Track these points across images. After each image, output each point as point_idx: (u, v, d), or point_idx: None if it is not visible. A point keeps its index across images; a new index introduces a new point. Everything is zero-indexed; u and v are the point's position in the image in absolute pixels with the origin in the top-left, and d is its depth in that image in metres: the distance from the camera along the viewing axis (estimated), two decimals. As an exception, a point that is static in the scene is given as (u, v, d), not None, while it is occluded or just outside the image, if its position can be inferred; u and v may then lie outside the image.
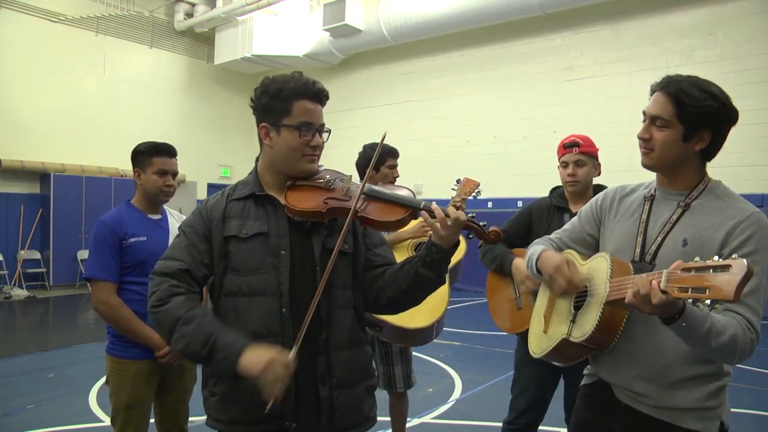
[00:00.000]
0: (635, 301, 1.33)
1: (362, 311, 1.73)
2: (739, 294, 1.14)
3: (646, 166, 1.65)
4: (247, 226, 1.63)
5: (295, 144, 1.63)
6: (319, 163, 1.74)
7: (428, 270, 1.59)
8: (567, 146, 2.65)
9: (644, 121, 1.62)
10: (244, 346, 1.47)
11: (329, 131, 1.71)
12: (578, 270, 1.65)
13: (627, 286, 1.41)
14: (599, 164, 2.71)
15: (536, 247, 1.83)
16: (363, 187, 1.62)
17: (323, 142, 1.69)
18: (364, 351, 1.72)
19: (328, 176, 1.71)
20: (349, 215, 1.56)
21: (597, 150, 2.69)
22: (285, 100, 1.62)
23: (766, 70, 8.52)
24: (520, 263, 2.47)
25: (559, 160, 2.70)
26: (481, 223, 1.56)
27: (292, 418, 1.58)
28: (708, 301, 1.17)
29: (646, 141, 1.60)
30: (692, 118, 1.54)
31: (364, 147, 3.15)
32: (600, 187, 2.69)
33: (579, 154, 2.61)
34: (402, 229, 1.73)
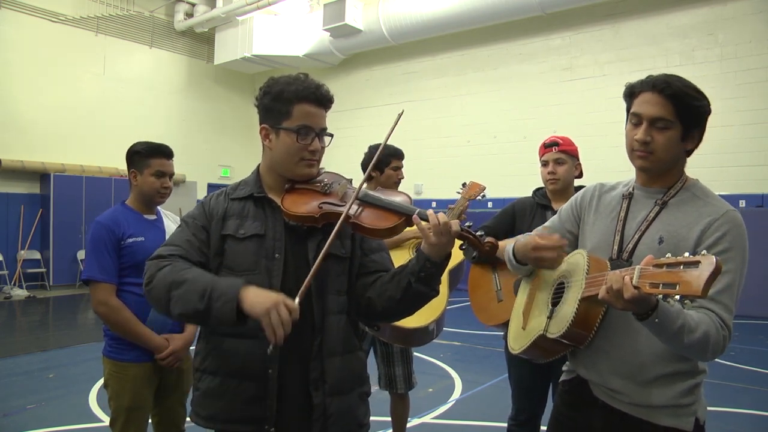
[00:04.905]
0: (608, 297, 1.35)
1: (356, 317, 1.71)
2: (707, 289, 1.16)
3: (644, 169, 1.64)
4: (245, 227, 1.62)
5: (293, 148, 1.61)
6: (320, 166, 1.72)
7: (423, 285, 1.54)
8: (547, 145, 2.73)
9: (637, 123, 1.58)
10: (241, 286, 1.43)
11: (331, 136, 1.69)
12: (554, 237, 1.67)
13: (601, 282, 1.42)
14: (579, 164, 2.76)
15: (510, 244, 1.85)
16: (358, 192, 1.58)
17: (323, 147, 1.67)
18: (357, 357, 1.69)
19: (326, 179, 1.68)
20: (340, 219, 1.52)
21: (576, 149, 2.75)
22: (286, 103, 1.60)
23: (766, 70, 8.51)
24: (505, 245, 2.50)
25: (540, 159, 2.76)
26: (477, 233, 1.53)
27: (271, 422, 1.55)
28: (678, 297, 1.19)
29: (646, 144, 1.57)
30: (692, 117, 1.56)
31: (370, 147, 3.11)
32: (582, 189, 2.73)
33: (559, 153, 2.68)
34: (405, 230, 1.71)
